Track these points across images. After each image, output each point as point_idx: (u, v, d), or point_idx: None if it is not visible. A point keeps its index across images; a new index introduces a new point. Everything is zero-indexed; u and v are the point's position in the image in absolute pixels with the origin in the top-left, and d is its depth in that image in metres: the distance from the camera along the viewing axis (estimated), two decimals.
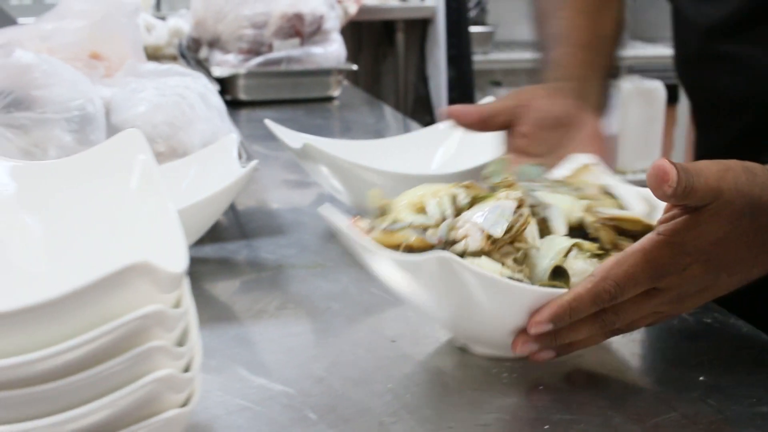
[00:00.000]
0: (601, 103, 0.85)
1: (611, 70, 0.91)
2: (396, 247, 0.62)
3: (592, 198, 0.65)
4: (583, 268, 0.60)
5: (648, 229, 0.60)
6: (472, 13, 3.10)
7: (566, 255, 0.61)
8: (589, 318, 0.56)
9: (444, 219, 0.64)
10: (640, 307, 0.57)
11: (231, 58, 1.55)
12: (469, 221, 0.63)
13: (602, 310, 0.56)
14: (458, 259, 0.55)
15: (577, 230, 0.64)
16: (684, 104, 3.81)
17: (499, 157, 0.75)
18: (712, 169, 0.53)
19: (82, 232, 0.50)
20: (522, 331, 0.57)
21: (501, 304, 0.57)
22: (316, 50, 1.58)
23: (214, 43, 1.59)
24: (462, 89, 2.99)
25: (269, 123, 0.91)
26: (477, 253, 0.61)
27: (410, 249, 0.62)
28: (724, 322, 0.67)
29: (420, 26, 2.88)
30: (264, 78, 1.54)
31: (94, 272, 0.36)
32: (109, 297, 0.34)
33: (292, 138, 0.90)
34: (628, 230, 0.62)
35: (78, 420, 0.33)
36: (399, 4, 2.79)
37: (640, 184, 0.75)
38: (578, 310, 0.55)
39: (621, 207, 0.65)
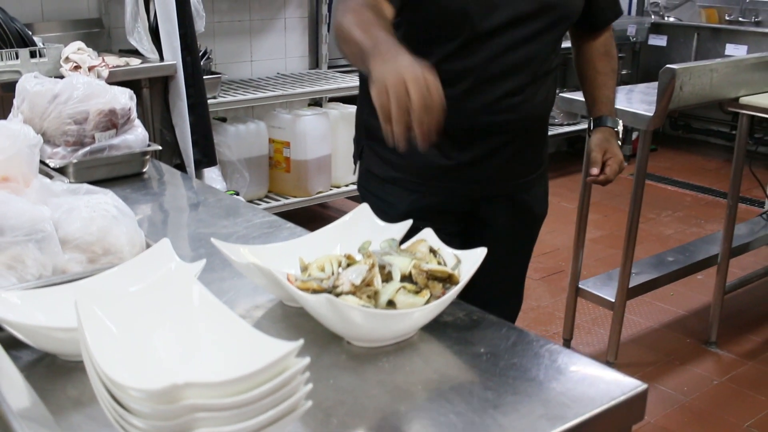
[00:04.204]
0: None
1: None
2: (307, 290, 1.15)
3: (421, 258, 1.18)
4: (405, 300, 1.14)
5: (449, 275, 1.15)
6: (202, 63, 3.51)
7: (397, 293, 1.15)
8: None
9: (333, 274, 1.17)
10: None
11: (61, 150, 1.87)
12: (344, 276, 1.16)
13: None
14: (331, 296, 1.07)
15: (408, 278, 1.17)
16: None
17: (366, 240, 1.26)
18: (594, 144, 1.89)
19: (184, 326, 0.93)
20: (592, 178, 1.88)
21: (354, 319, 1.09)
22: (129, 137, 1.96)
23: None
24: (202, 131, 3.41)
25: (216, 242, 1.25)
26: (347, 293, 1.14)
27: (314, 291, 1.15)
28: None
29: (162, 81, 3.25)
30: (91, 164, 1.89)
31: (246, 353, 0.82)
32: (282, 364, 0.79)
33: (234, 252, 1.26)
34: (438, 276, 1.16)
35: (269, 416, 0.78)
36: (143, 65, 3.14)
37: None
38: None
39: (440, 262, 1.19)
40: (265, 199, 4.06)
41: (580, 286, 3.12)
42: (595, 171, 1.86)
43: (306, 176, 4.05)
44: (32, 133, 1.44)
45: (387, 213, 1.79)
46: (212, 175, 3.57)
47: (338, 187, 4.27)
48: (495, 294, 1.90)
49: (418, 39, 1.68)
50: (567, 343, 3.19)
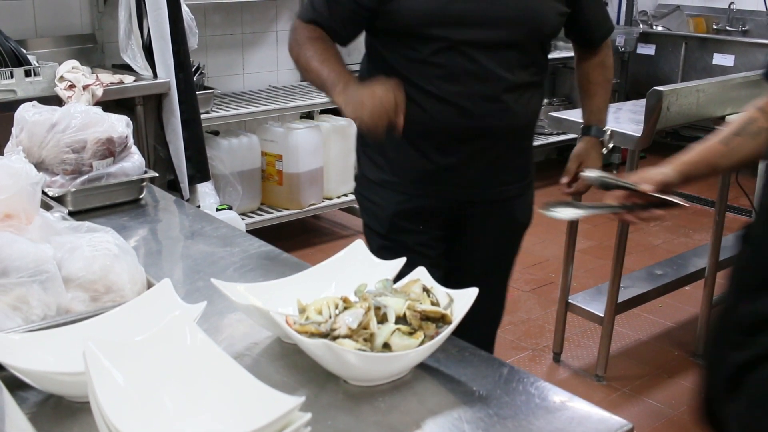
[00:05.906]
0: None
1: None
2: (305, 333, 1.18)
3: (415, 298, 1.22)
4: (400, 342, 1.18)
5: (441, 315, 1.19)
6: (195, 78, 3.53)
7: (392, 335, 1.18)
8: None
9: (330, 317, 1.20)
10: None
11: (59, 178, 1.90)
12: (341, 319, 1.19)
13: None
14: (329, 341, 1.12)
15: (403, 319, 1.21)
16: None
17: (361, 283, 1.30)
18: (573, 155, 2.02)
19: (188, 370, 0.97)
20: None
21: (351, 362, 1.13)
22: (126, 164, 1.99)
23: (39, 166, 1.92)
24: (195, 147, 3.44)
25: (216, 282, 1.30)
26: (344, 336, 1.18)
27: (312, 334, 1.18)
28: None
29: (156, 98, 3.27)
30: (89, 192, 1.92)
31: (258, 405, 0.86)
32: (286, 419, 0.83)
33: (234, 292, 1.30)
34: (431, 316, 1.20)
35: None
36: (137, 83, 3.17)
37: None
38: None
39: (433, 302, 1.23)
40: (258, 212, 4.09)
41: (569, 300, 3.17)
42: (564, 180, 2.01)
43: (298, 189, 4.08)
44: (34, 171, 1.46)
45: (377, 215, 1.92)
46: (205, 189, 3.60)
47: (330, 199, 4.30)
48: (478, 299, 1.96)
49: (392, 44, 1.79)
50: (557, 357, 3.24)
